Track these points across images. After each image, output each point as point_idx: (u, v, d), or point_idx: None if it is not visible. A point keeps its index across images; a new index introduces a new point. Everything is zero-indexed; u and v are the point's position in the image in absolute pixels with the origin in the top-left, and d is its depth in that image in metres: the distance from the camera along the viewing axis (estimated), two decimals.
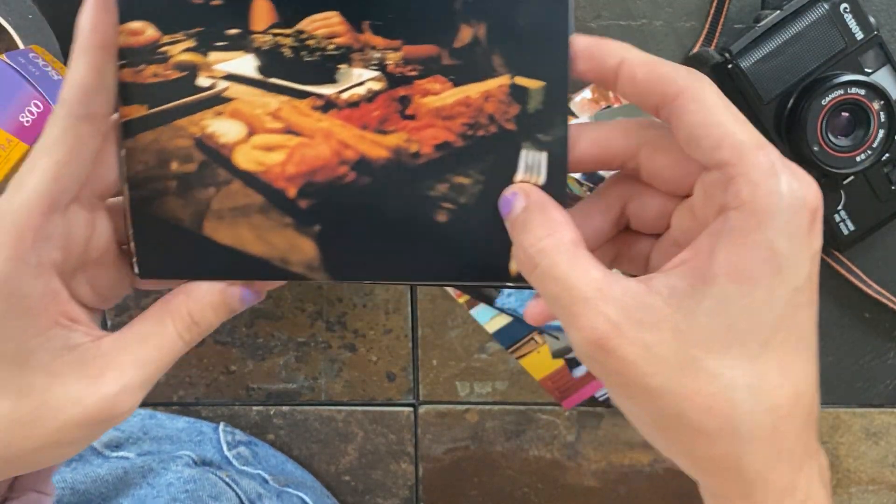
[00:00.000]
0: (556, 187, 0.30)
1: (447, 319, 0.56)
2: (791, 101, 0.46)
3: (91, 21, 0.28)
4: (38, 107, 0.40)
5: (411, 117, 0.30)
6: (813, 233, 0.25)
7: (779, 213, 0.24)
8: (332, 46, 0.30)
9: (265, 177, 0.31)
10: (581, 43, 0.28)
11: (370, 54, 0.30)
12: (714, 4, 0.48)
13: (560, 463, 0.60)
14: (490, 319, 0.55)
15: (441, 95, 0.30)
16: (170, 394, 0.59)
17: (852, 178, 0.48)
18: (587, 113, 0.50)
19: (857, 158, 0.46)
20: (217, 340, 0.57)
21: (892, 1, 0.48)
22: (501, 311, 0.55)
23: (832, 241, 0.49)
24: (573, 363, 0.56)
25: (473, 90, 0.30)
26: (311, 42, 0.30)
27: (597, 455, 0.60)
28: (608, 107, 0.50)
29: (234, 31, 0.30)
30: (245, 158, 0.31)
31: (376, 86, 0.30)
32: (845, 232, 0.49)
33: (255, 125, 0.31)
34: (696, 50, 0.48)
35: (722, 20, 0.48)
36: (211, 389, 0.59)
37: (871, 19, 0.45)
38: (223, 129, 0.31)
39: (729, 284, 0.25)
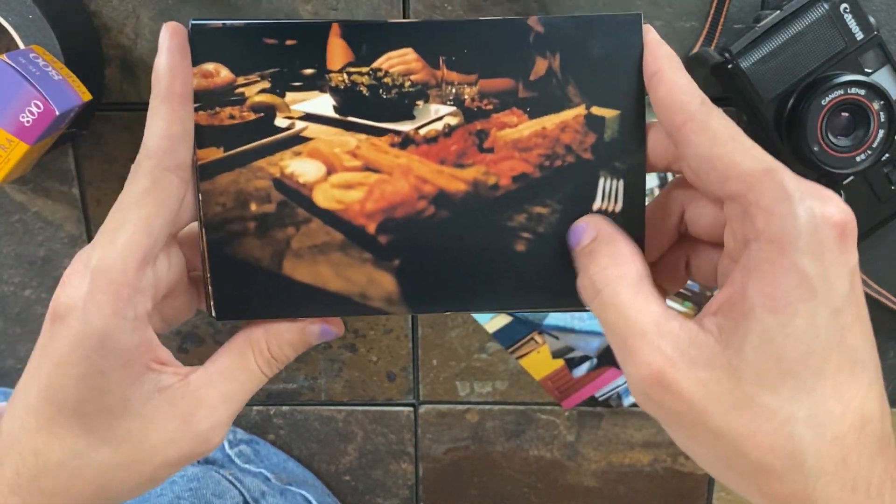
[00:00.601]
0: (633, 213, 0.30)
1: (447, 319, 0.56)
2: (791, 101, 0.46)
3: (169, 66, 0.28)
4: (38, 107, 0.40)
5: (489, 150, 0.31)
6: (845, 248, 0.24)
7: (799, 237, 0.24)
8: (408, 83, 0.30)
9: (345, 214, 0.31)
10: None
11: (446, 90, 0.31)
12: (714, 4, 0.48)
13: (560, 463, 0.60)
14: (490, 319, 0.55)
15: (518, 128, 0.31)
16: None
17: (852, 178, 0.48)
18: None
19: (857, 158, 0.46)
20: (217, 341, 0.57)
21: (892, 1, 0.48)
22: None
23: None
24: (573, 363, 0.56)
25: (549, 121, 0.30)
26: (387, 80, 0.31)
27: (597, 455, 0.60)
28: None
29: (310, 71, 0.30)
30: (324, 197, 0.31)
31: (453, 120, 0.31)
32: None
33: (334, 164, 0.31)
34: (696, 50, 0.48)
35: (722, 20, 0.48)
36: None
37: (871, 19, 0.45)
38: (302, 168, 0.31)
39: (767, 317, 0.24)
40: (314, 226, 0.31)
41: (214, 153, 0.31)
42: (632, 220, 0.30)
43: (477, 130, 0.31)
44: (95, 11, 0.49)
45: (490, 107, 0.30)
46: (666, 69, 0.28)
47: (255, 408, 0.59)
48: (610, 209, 0.30)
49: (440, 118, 0.31)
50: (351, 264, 0.32)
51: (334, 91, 0.31)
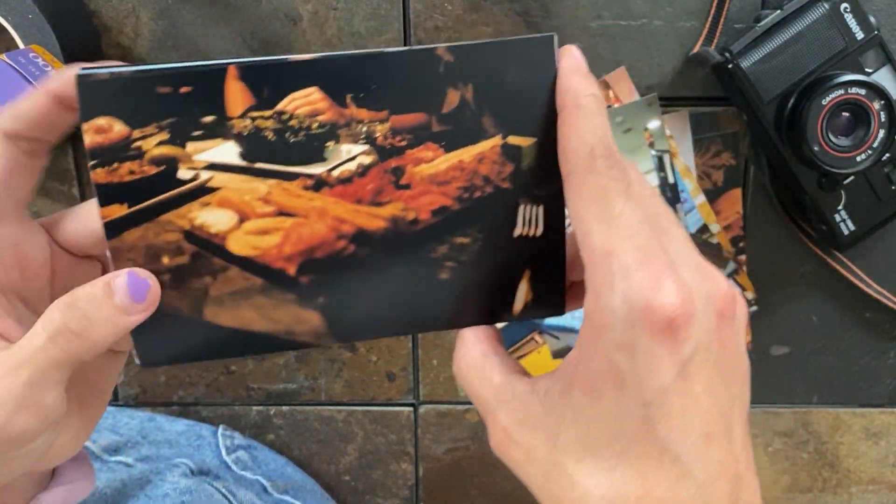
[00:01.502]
0: (553, 237, 0.30)
1: None
2: (791, 101, 0.46)
3: (16, 105, 0.29)
4: None
5: (406, 187, 0.30)
6: (669, 342, 0.23)
7: (613, 329, 0.24)
8: (316, 125, 0.29)
9: (262, 259, 0.30)
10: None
11: (357, 128, 0.29)
12: (714, 4, 0.48)
13: None
14: None
15: (433, 162, 0.30)
16: (170, 394, 0.59)
17: (852, 178, 0.48)
18: None
19: (858, 158, 0.46)
20: None
21: (892, 1, 0.48)
22: None
23: (832, 240, 0.49)
24: None
25: (466, 154, 0.30)
26: (293, 122, 0.29)
27: None
28: (609, 106, 0.50)
29: (209, 119, 0.29)
30: (239, 244, 0.30)
31: (367, 160, 0.30)
32: (845, 232, 0.49)
33: (246, 211, 0.30)
34: (696, 50, 0.48)
35: (722, 20, 0.48)
36: (211, 389, 0.59)
37: (872, 19, 0.45)
38: (212, 218, 0.30)
39: (580, 395, 0.25)
40: (232, 273, 0.30)
41: (118, 210, 0.30)
42: (553, 244, 0.31)
43: (392, 168, 0.30)
44: (95, 11, 0.49)
45: (404, 143, 0.30)
46: (569, 107, 0.27)
47: (254, 408, 0.59)
48: (531, 234, 0.30)
49: (353, 158, 0.30)
50: (275, 305, 0.31)
51: (238, 138, 0.29)
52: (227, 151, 0.29)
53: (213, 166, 0.30)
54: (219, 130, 0.29)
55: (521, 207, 0.30)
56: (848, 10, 0.45)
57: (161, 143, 0.29)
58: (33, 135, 0.29)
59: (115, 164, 0.29)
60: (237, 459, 0.56)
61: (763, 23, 0.45)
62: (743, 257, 0.53)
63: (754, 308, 0.54)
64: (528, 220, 0.30)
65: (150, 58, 0.50)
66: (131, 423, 0.57)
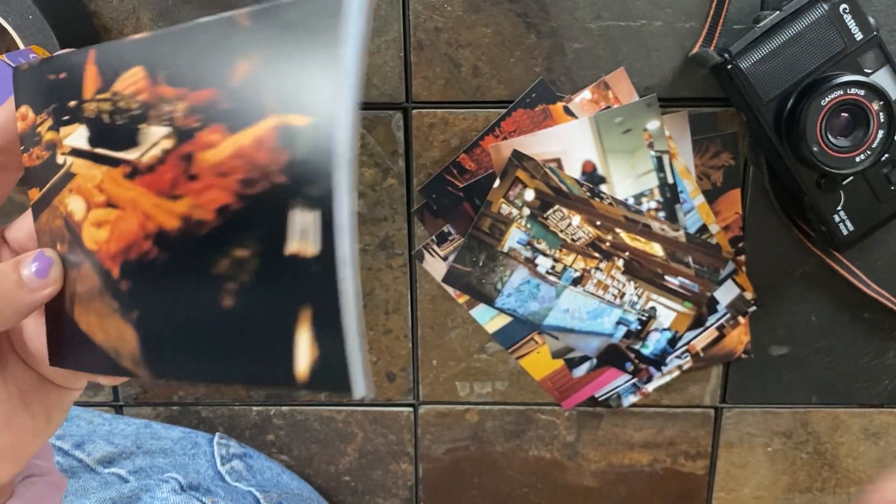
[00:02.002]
0: (333, 258, 0.22)
1: (447, 319, 0.56)
2: (791, 101, 0.46)
3: None
4: None
5: (195, 178, 0.26)
6: None
7: None
8: (135, 105, 0.27)
9: (99, 256, 0.29)
10: None
11: (163, 108, 0.26)
12: (714, 5, 0.48)
13: (560, 463, 0.60)
14: (490, 319, 0.55)
15: (219, 148, 0.25)
16: (170, 394, 0.59)
17: (852, 178, 0.48)
18: (587, 113, 0.50)
19: (857, 159, 0.46)
20: None
21: (891, 1, 0.48)
22: (501, 311, 0.55)
23: (832, 240, 0.49)
24: (573, 363, 0.56)
25: (247, 137, 0.24)
26: (122, 103, 0.27)
27: (596, 455, 0.60)
28: (608, 107, 0.50)
29: (73, 103, 0.28)
30: (87, 236, 0.29)
31: (168, 144, 0.26)
32: (845, 232, 0.49)
33: (90, 200, 0.29)
34: (695, 50, 0.48)
35: (721, 21, 0.48)
36: (211, 390, 0.59)
37: (871, 20, 0.45)
38: (74, 206, 0.29)
39: None
40: (85, 269, 0.29)
41: (35, 194, 0.30)
42: (331, 268, 0.22)
43: (185, 154, 0.26)
44: (95, 12, 0.49)
45: (197, 124, 0.25)
46: None
47: (254, 408, 0.59)
48: (306, 252, 0.23)
49: (157, 143, 0.26)
50: (107, 314, 0.29)
51: (87, 121, 0.28)
52: (81, 136, 0.28)
53: (73, 151, 0.29)
54: (77, 115, 0.28)
55: (294, 212, 0.23)
56: (847, 10, 0.45)
57: (49, 128, 0.29)
58: (2, 144, 0.30)
59: (31, 150, 0.30)
60: (231, 470, 0.56)
61: (762, 23, 0.45)
62: (742, 258, 0.53)
63: (753, 308, 0.54)
64: (303, 232, 0.23)
65: None
66: (127, 431, 0.57)
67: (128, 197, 0.27)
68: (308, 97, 0.23)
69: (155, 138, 0.26)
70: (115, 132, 0.27)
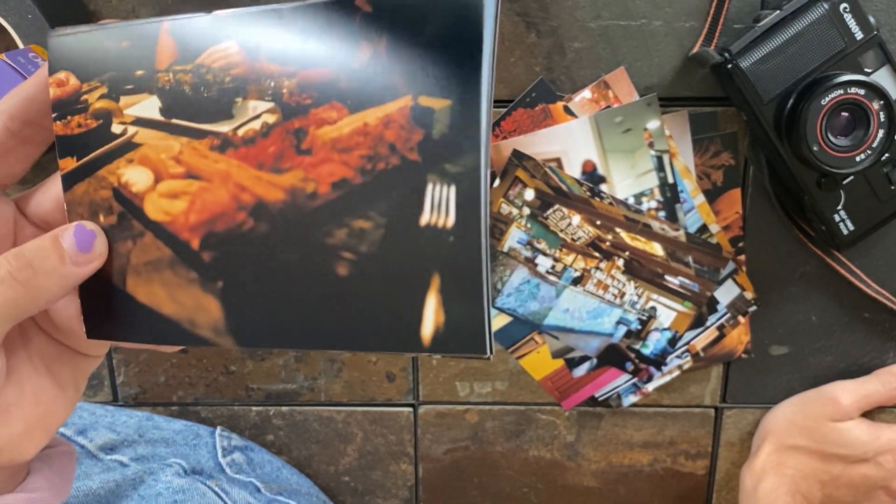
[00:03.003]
0: (468, 230, 0.24)
1: None
2: (791, 100, 0.46)
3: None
4: None
5: (307, 152, 0.26)
6: None
7: None
8: (228, 79, 0.27)
9: (171, 227, 0.29)
10: None
11: (265, 84, 0.27)
12: (714, 4, 0.48)
13: (560, 463, 0.60)
14: None
15: (337, 125, 0.26)
16: (169, 394, 0.59)
17: (852, 177, 0.48)
18: (587, 113, 0.50)
19: (857, 158, 0.46)
20: None
21: (891, 1, 0.48)
22: (501, 310, 0.55)
23: (832, 240, 0.49)
24: (573, 363, 0.56)
25: (372, 116, 0.25)
26: (209, 76, 0.28)
27: (596, 455, 0.60)
28: (608, 107, 0.50)
29: (140, 73, 0.28)
30: (153, 208, 0.29)
31: (271, 118, 0.27)
32: (845, 232, 0.49)
33: (161, 171, 0.29)
34: (695, 50, 0.48)
35: (722, 20, 0.48)
36: (210, 390, 0.59)
37: (871, 19, 0.45)
38: (134, 177, 0.29)
39: None
40: (147, 240, 0.29)
41: (70, 163, 0.30)
42: (466, 242, 0.24)
43: (295, 129, 0.27)
44: (95, 11, 0.49)
45: (309, 101, 0.26)
46: None
47: (254, 408, 0.59)
48: (440, 224, 0.25)
49: (258, 116, 0.27)
50: (180, 285, 0.29)
51: (161, 92, 0.28)
52: (151, 106, 0.29)
53: (138, 121, 0.29)
54: (146, 85, 0.28)
55: (430, 186, 0.25)
56: (847, 10, 0.45)
57: (101, 96, 0.29)
58: (27, 116, 0.29)
59: (69, 117, 0.29)
60: (232, 462, 0.56)
61: (762, 23, 0.45)
62: (742, 257, 0.53)
63: (754, 308, 0.54)
64: (437, 205, 0.25)
65: None
66: (129, 422, 0.57)
67: (215, 169, 0.28)
68: (446, 82, 0.24)
69: (254, 112, 0.27)
70: (200, 104, 0.28)
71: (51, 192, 0.32)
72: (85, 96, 0.29)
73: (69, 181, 0.30)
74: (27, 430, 0.30)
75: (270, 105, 0.27)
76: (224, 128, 0.28)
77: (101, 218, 0.30)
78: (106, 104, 0.29)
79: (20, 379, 0.30)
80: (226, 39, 0.27)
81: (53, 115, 0.29)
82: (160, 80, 0.28)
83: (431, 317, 0.25)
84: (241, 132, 0.27)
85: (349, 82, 0.26)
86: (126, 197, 0.29)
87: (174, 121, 0.28)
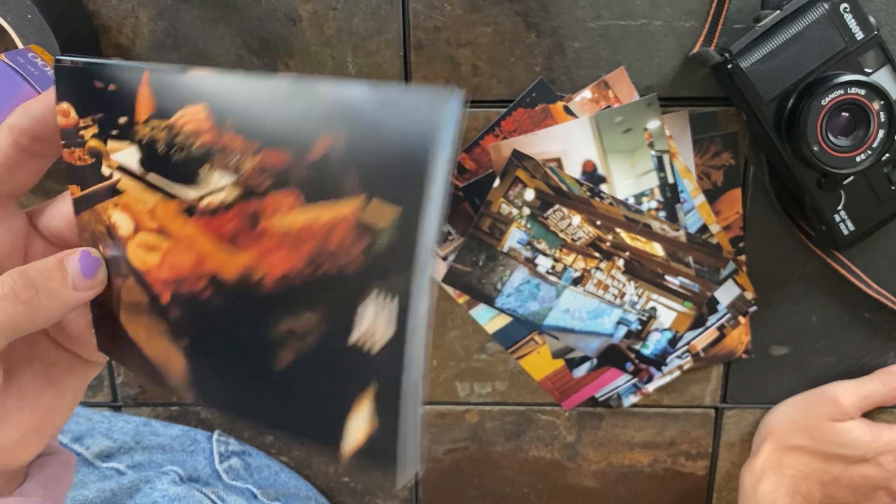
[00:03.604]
0: (402, 346, 0.23)
1: (447, 319, 0.56)
2: (791, 101, 0.46)
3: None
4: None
5: (260, 235, 0.26)
6: None
7: None
8: (196, 145, 0.27)
9: (147, 277, 0.29)
10: None
11: (230, 156, 0.26)
12: (714, 4, 0.48)
13: (560, 463, 0.60)
14: (490, 320, 0.55)
15: (290, 215, 0.25)
16: (168, 395, 0.59)
17: (852, 178, 0.48)
18: (587, 113, 0.50)
19: (857, 158, 0.46)
20: None
21: (892, 1, 0.48)
22: (501, 311, 0.55)
23: (832, 240, 0.49)
24: (573, 363, 0.56)
25: (324, 212, 0.24)
26: (180, 139, 0.27)
27: (597, 455, 0.60)
28: (608, 107, 0.50)
29: (123, 120, 0.28)
30: (134, 255, 0.29)
31: (232, 194, 0.26)
32: (845, 232, 0.49)
33: (139, 222, 0.29)
34: (695, 50, 0.48)
35: (722, 20, 0.48)
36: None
37: (871, 19, 0.45)
38: (119, 221, 0.30)
39: None
40: (130, 283, 0.30)
41: (76, 191, 0.30)
42: (398, 356, 0.23)
43: (252, 211, 0.26)
44: (94, 11, 0.49)
45: (267, 184, 0.25)
46: None
47: None
48: (374, 336, 0.23)
49: (221, 188, 0.26)
50: (155, 333, 0.29)
51: (139, 144, 0.28)
52: (131, 156, 0.29)
53: (121, 168, 0.29)
54: (128, 134, 0.28)
55: (370, 296, 0.23)
56: (847, 10, 0.45)
57: (94, 136, 0.29)
58: (37, 133, 0.30)
59: (72, 148, 0.30)
60: (229, 468, 0.56)
61: (763, 23, 0.45)
62: (742, 257, 0.53)
63: (754, 308, 0.54)
64: (377, 314, 0.23)
65: (149, 58, 0.50)
66: (126, 428, 0.57)
67: (183, 232, 0.27)
68: (397, 187, 0.23)
69: (218, 184, 0.26)
70: (171, 165, 0.27)
71: (62, 209, 0.32)
72: (82, 132, 0.29)
73: (77, 207, 0.31)
74: (24, 436, 0.30)
75: (233, 179, 0.26)
76: (191, 194, 0.27)
77: (101, 248, 0.30)
78: (97, 144, 0.29)
79: (20, 385, 0.30)
80: (197, 102, 0.26)
81: (63, 142, 0.30)
82: (139, 132, 0.28)
83: (357, 429, 0.24)
84: (204, 202, 0.27)
85: (307, 171, 0.25)
86: (115, 236, 0.30)
87: (149, 176, 0.28)
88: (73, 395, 0.32)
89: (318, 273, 0.25)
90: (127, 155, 0.29)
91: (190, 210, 0.27)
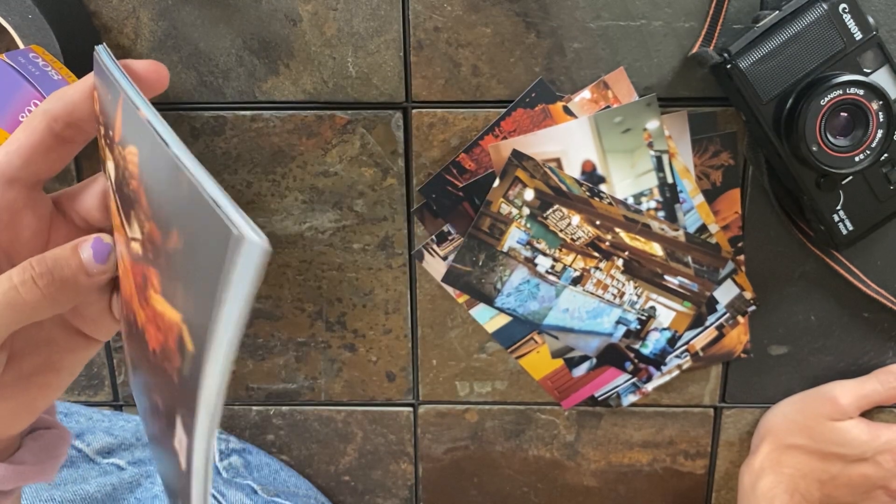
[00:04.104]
0: (191, 482, 0.21)
1: (447, 319, 0.56)
2: (790, 101, 0.46)
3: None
4: (37, 106, 0.40)
5: (148, 301, 0.25)
6: None
7: None
8: (131, 187, 0.27)
9: (121, 297, 0.31)
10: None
11: (140, 212, 0.25)
12: (713, 4, 0.48)
13: (559, 462, 0.60)
14: (490, 319, 0.55)
15: (154, 297, 0.24)
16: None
17: (851, 177, 0.48)
18: (587, 113, 0.50)
19: (856, 158, 0.46)
20: None
21: (890, 1, 0.48)
22: (501, 310, 0.55)
23: (831, 240, 0.50)
24: (572, 363, 0.56)
25: (167, 310, 0.23)
26: (126, 173, 0.27)
27: (596, 455, 0.60)
28: (607, 107, 0.50)
29: (110, 134, 0.29)
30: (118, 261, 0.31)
31: (138, 249, 0.26)
32: (844, 232, 0.49)
33: (118, 234, 0.30)
34: (695, 50, 0.48)
35: (721, 20, 0.48)
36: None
37: (870, 19, 0.45)
38: (112, 224, 0.32)
39: None
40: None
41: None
42: (187, 490, 0.21)
43: (143, 274, 0.25)
44: (95, 11, 0.49)
45: (150, 255, 0.24)
46: None
47: (254, 408, 0.59)
48: (181, 460, 0.22)
49: (137, 239, 0.26)
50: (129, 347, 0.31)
51: (114, 162, 0.29)
52: (111, 170, 0.30)
53: (108, 177, 0.31)
54: (110, 147, 0.30)
55: (179, 416, 0.22)
56: (846, 10, 0.45)
57: (100, 135, 0.30)
58: (70, 119, 0.30)
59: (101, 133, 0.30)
60: (229, 466, 0.56)
61: (762, 23, 0.45)
62: (741, 257, 0.53)
63: (753, 307, 0.54)
64: (181, 440, 0.22)
65: (150, 58, 0.50)
66: (127, 426, 0.57)
67: (126, 263, 0.28)
68: (196, 318, 0.20)
69: (135, 233, 0.26)
70: (123, 196, 0.28)
71: (94, 191, 0.33)
72: (99, 126, 0.30)
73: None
74: (14, 410, 0.31)
75: (139, 236, 0.26)
76: (128, 231, 0.27)
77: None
78: (101, 144, 0.30)
79: (20, 363, 0.31)
80: (135, 145, 0.25)
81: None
82: (115, 150, 0.28)
83: None
84: (132, 244, 0.27)
85: (164, 260, 0.23)
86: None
87: (116, 197, 0.29)
88: (69, 374, 0.33)
89: (162, 365, 0.24)
90: (109, 167, 0.29)
91: (128, 245, 0.27)
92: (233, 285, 0.18)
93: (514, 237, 0.53)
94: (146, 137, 0.24)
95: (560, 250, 0.53)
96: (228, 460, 0.57)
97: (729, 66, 0.45)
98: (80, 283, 0.29)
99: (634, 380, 0.56)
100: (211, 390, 0.19)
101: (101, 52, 0.29)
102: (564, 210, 0.52)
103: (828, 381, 0.56)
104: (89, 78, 0.30)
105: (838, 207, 0.48)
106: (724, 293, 0.54)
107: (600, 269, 0.53)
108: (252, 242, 0.18)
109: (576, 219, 0.52)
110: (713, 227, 0.52)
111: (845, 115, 0.45)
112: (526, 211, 0.52)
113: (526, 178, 0.51)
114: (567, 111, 0.50)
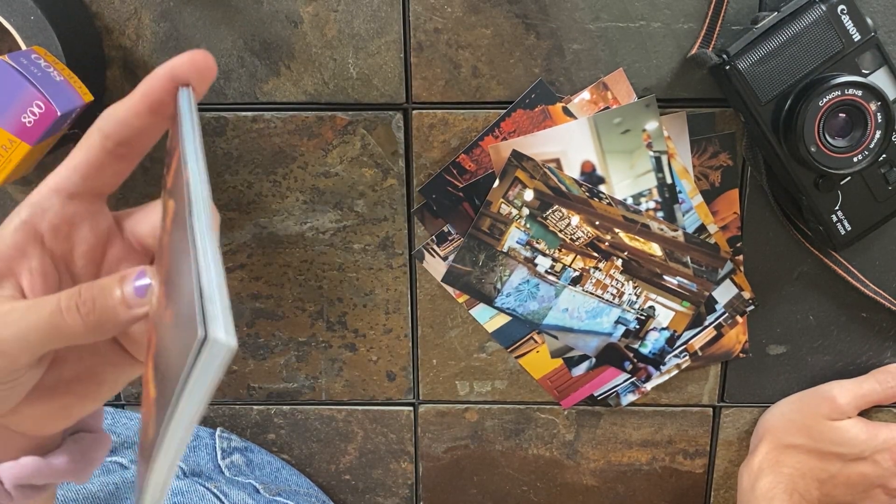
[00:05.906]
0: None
1: (447, 319, 0.56)
2: (788, 102, 0.46)
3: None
4: (39, 107, 0.40)
5: (147, 360, 0.28)
6: None
7: None
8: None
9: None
10: None
11: (161, 271, 0.29)
12: (712, 6, 0.48)
13: (559, 462, 0.60)
14: (489, 319, 0.55)
15: (149, 363, 0.27)
16: None
17: (849, 178, 0.48)
18: (586, 114, 0.50)
19: (854, 159, 0.46)
20: None
21: (889, 2, 0.48)
22: (501, 310, 0.55)
23: (829, 240, 0.50)
24: (572, 362, 0.56)
25: (150, 386, 0.26)
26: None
27: (595, 454, 0.60)
28: (607, 108, 0.50)
29: (167, 168, 0.31)
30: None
31: (155, 303, 0.29)
32: (842, 232, 0.49)
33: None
34: (693, 51, 0.48)
35: (720, 21, 0.48)
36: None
37: (869, 21, 0.46)
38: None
39: None
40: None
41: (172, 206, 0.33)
42: None
43: (151, 328, 0.29)
44: (97, 13, 0.49)
45: (156, 313, 0.28)
46: None
47: (255, 407, 0.59)
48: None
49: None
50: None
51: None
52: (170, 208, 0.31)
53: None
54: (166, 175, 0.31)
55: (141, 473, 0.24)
56: (845, 11, 0.45)
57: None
58: (120, 138, 0.31)
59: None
60: (231, 464, 0.57)
61: (760, 24, 0.45)
62: (740, 257, 0.54)
63: (751, 307, 0.55)
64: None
65: (152, 60, 0.50)
66: (129, 425, 0.57)
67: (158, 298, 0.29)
68: (161, 413, 0.22)
69: (157, 287, 0.29)
70: (159, 244, 0.29)
71: (150, 217, 0.33)
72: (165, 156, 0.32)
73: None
74: (49, 413, 0.32)
75: (156, 293, 0.29)
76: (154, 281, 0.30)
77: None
78: (164, 175, 0.31)
79: (62, 366, 0.31)
80: (175, 201, 0.27)
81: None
82: (164, 196, 0.30)
83: None
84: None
85: (160, 330, 0.25)
86: None
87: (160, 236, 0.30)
88: (109, 389, 0.34)
89: (147, 422, 0.25)
90: (161, 207, 0.31)
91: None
92: (188, 389, 0.19)
93: (513, 237, 0.53)
94: (182, 201, 0.25)
95: (559, 250, 0.53)
96: (230, 458, 0.57)
97: (728, 67, 0.45)
98: (119, 315, 0.29)
99: (633, 379, 0.56)
100: (157, 483, 0.21)
101: (182, 95, 0.29)
102: (564, 210, 0.52)
103: (826, 380, 0.56)
104: (137, 93, 0.30)
105: (836, 208, 0.49)
106: (723, 293, 0.54)
107: (600, 269, 0.53)
108: (216, 342, 0.18)
109: (575, 219, 0.52)
110: (712, 228, 0.53)
111: (844, 115, 0.46)
112: (526, 211, 0.52)
113: (526, 178, 0.51)
114: (566, 112, 0.51)
